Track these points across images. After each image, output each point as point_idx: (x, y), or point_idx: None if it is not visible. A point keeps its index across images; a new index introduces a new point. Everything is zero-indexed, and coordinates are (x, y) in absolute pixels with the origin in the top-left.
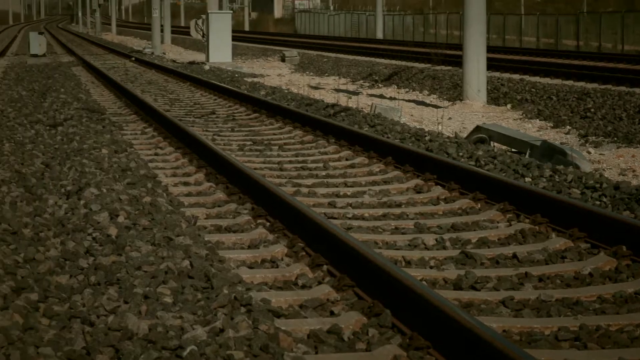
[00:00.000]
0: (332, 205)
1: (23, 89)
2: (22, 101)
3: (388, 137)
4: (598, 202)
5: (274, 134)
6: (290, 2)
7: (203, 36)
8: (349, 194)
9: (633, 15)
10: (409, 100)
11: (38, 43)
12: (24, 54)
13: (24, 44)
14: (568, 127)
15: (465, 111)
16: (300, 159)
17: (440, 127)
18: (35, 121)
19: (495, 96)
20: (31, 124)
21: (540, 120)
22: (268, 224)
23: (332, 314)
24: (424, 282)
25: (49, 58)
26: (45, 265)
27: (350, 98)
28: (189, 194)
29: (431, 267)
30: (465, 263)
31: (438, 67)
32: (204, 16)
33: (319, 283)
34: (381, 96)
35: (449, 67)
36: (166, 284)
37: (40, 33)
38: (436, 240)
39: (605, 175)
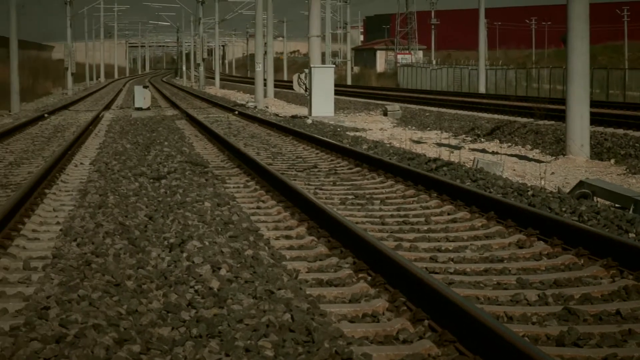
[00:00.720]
0: (433, 259)
1: (127, 142)
2: (126, 154)
3: (490, 192)
4: None
5: (376, 188)
6: (393, 56)
7: (306, 90)
8: (450, 248)
9: None
10: (512, 155)
11: (142, 96)
12: (128, 107)
13: (129, 98)
14: None
15: (568, 166)
16: (401, 213)
17: (542, 182)
18: (139, 174)
19: (598, 151)
20: (135, 176)
21: None
22: (369, 278)
23: None
24: (526, 338)
25: (153, 111)
26: (148, 317)
27: (452, 152)
28: (290, 248)
29: (533, 323)
30: (568, 319)
31: (541, 122)
32: (306, 70)
33: (420, 338)
34: (483, 150)
35: (552, 122)
36: (267, 337)
37: (145, 87)
38: (538, 295)
39: None
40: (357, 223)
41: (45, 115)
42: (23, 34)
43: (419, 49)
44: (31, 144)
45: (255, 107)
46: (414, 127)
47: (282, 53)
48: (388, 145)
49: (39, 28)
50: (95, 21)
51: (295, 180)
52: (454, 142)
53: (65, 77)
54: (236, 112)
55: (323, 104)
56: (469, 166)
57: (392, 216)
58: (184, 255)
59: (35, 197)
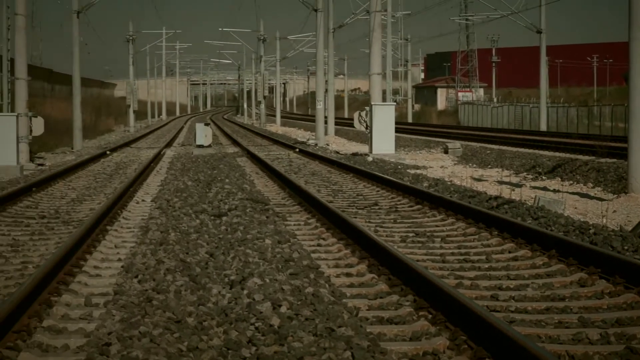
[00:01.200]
0: (494, 298)
1: (189, 179)
2: (187, 191)
3: (552, 230)
4: None
5: (437, 226)
6: (454, 94)
7: (366, 128)
8: (511, 286)
9: None
10: (573, 193)
11: (204, 134)
12: (189, 144)
13: (190, 135)
14: None
15: (631, 204)
16: (462, 251)
17: (604, 220)
18: (200, 211)
19: None
20: (196, 213)
21: None
22: (430, 316)
23: None
24: None
25: (214, 149)
26: (208, 354)
27: (513, 190)
28: (351, 285)
29: None
30: (630, 359)
31: (602, 160)
32: (367, 108)
33: None
34: (544, 188)
35: (614, 160)
36: None
37: (206, 124)
38: (600, 334)
39: None
40: (417, 261)
41: (107, 152)
42: (86, 72)
43: (480, 87)
44: (93, 181)
45: (316, 144)
46: (474, 165)
47: (343, 90)
48: (449, 183)
49: (102, 65)
50: (157, 59)
51: (355, 217)
52: (515, 180)
53: (127, 115)
54: (297, 150)
55: (384, 142)
56: (530, 204)
57: (452, 254)
58: (245, 292)
59: (97, 234)
